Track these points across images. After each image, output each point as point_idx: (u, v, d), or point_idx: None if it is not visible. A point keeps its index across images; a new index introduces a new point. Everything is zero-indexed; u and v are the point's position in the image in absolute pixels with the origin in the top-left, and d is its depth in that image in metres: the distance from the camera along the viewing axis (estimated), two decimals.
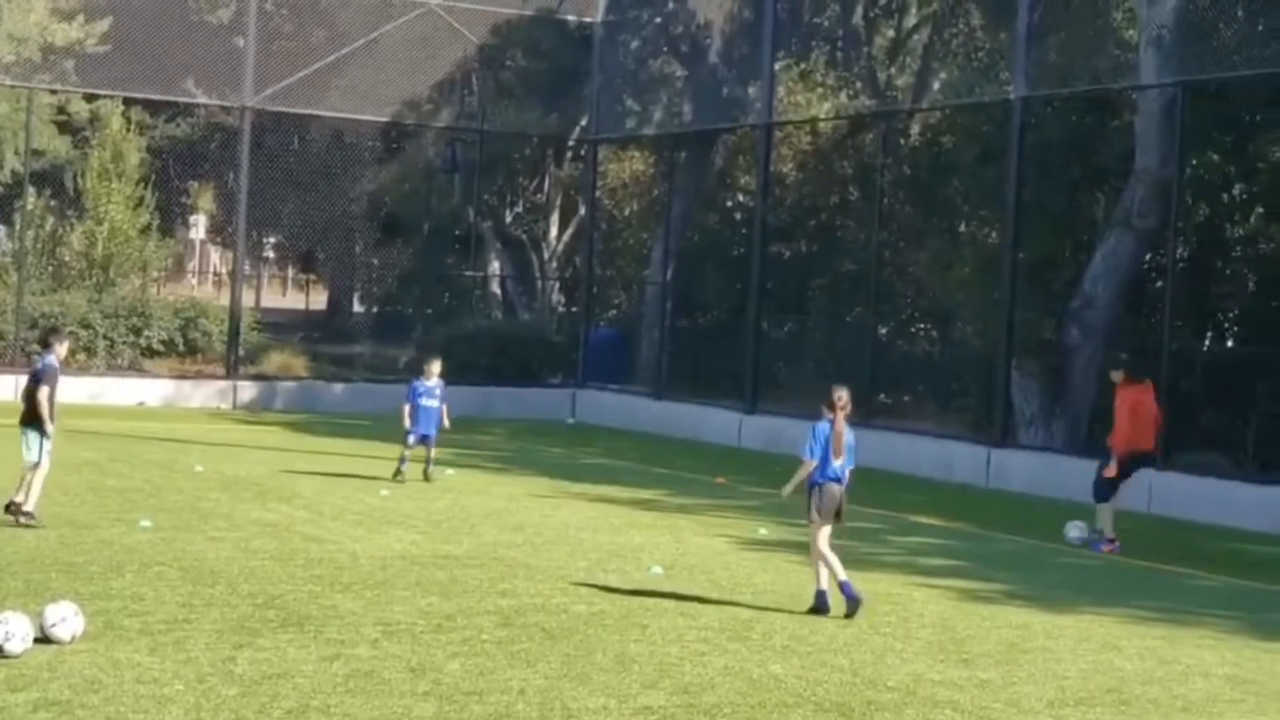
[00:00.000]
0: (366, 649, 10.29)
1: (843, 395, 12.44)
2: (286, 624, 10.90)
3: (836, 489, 12.40)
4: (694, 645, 11.00)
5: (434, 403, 19.84)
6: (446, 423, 20.03)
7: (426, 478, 19.58)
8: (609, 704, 9.26)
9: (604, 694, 9.48)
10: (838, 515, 12.44)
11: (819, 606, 12.31)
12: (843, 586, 12.29)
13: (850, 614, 12.19)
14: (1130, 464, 17.80)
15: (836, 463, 12.34)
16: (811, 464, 12.30)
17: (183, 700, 8.79)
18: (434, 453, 19.94)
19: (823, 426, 12.35)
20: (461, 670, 9.86)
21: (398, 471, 19.52)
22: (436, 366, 20.13)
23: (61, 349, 15.12)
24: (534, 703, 9.17)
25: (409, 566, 13.52)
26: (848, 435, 12.40)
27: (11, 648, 9.44)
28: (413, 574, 13.16)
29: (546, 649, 10.60)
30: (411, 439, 19.71)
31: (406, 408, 19.90)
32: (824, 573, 12.37)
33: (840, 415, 12.39)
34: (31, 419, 14.68)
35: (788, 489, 12.52)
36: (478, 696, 9.23)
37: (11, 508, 14.62)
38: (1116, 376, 18.29)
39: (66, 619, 9.95)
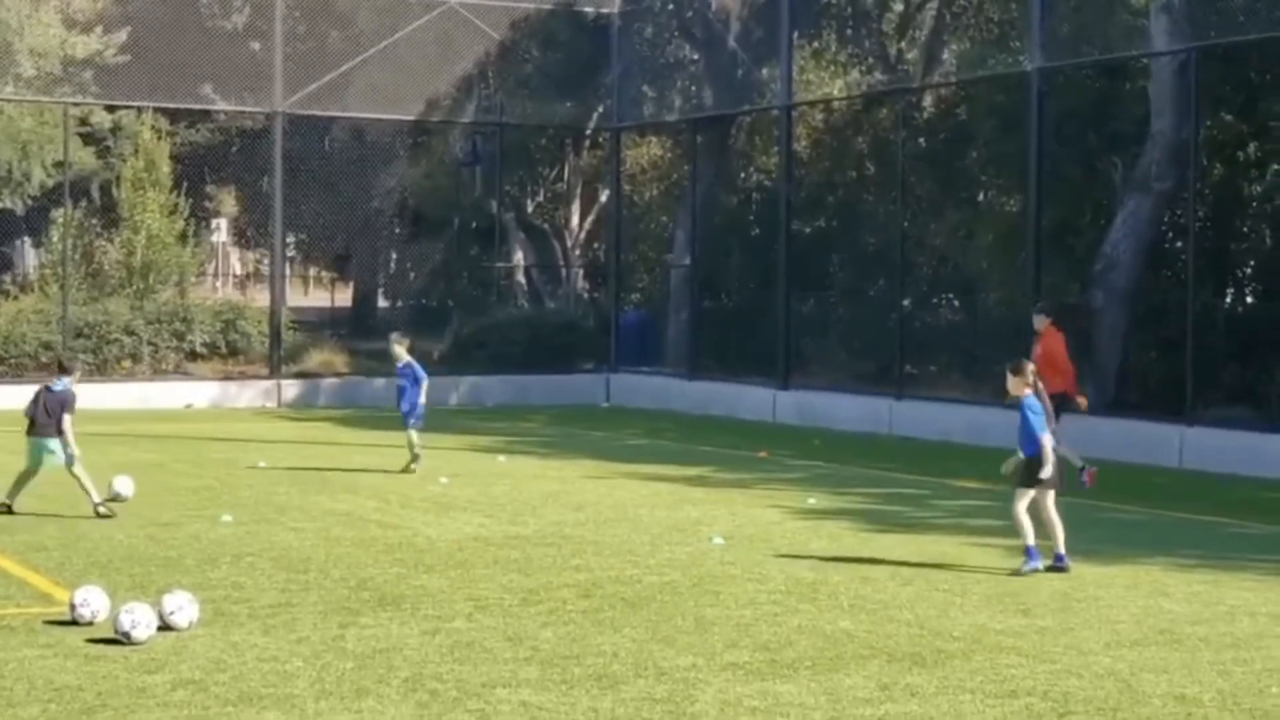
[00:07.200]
0: (463, 622, 10.97)
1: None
2: (383, 604, 11.58)
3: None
4: (766, 607, 11.66)
5: (404, 382, 20.22)
6: (422, 398, 20.09)
7: (408, 467, 19.81)
8: (697, 661, 9.92)
9: (691, 653, 10.14)
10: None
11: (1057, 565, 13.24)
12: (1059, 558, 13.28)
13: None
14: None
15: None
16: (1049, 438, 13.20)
17: (305, 674, 9.46)
18: (415, 436, 19.88)
19: (1033, 402, 13.24)
20: (555, 637, 10.53)
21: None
22: (398, 349, 20.36)
23: (77, 375, 16.25)
24: (628, 663, 9.84)
25: (484, 547, 14.19)
26: None
27: (138, 634, 10.12)
28: (489, 554, 13.83)
29: (629, 616, 11.27)
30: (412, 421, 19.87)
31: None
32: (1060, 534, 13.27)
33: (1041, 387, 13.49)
34: (43, 431, 15.51)
35: (1048, 470, 13.10)
36: (575, 659, 9.90)
37: (99, 510, 15.39)
38: (1041, 323, 19.28)
39: (183, 607, 10.64)
